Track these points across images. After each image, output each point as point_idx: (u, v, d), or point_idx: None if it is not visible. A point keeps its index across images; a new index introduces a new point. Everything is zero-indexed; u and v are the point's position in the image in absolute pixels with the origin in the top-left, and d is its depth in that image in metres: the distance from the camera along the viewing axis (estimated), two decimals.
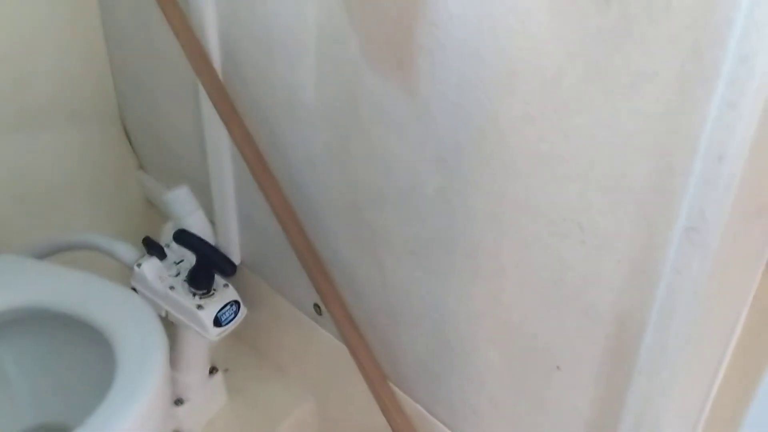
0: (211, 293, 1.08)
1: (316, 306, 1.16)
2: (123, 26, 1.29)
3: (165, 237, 1.25)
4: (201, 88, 1.08)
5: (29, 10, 1.21)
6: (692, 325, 0.66)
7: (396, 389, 1.08)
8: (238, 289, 1.31)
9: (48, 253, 1.14)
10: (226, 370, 1.34)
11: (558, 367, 0.84)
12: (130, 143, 1.47)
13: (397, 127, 0.88)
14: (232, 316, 1.08)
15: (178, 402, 1.20)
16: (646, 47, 0.61)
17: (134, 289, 1.11)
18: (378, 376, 1.05)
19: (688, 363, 0.69)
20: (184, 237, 1.05)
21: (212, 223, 1.29)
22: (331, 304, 1.05)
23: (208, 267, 1.06)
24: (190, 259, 1.11)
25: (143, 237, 1.12)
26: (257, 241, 1.25)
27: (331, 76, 0.93)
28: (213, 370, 1.26)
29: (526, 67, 0.70)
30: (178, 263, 1.12)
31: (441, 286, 0.94)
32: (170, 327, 1.13)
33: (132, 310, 0.98)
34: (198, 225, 1.19)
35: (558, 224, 0.75)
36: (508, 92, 0.73)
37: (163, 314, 1.11)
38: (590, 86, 0.66)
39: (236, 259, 1.31)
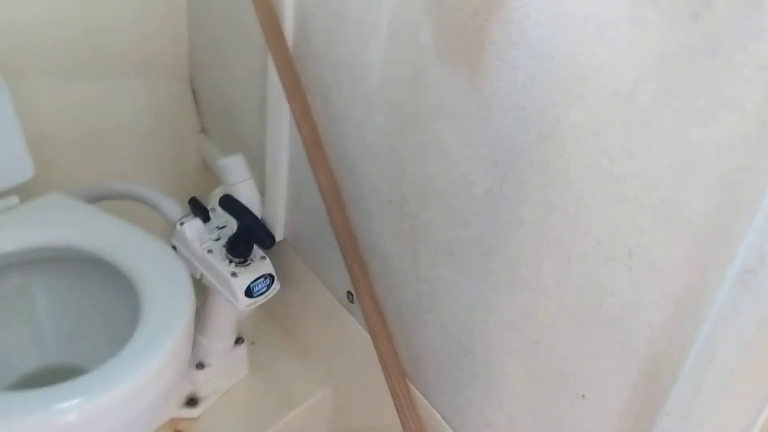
0: (247, 263, 1.07)
1: (349, 293, 1.14)
2: None
3: (213, 201, 1.25)
4: (270, 57, 1.07)
5: None
6: (730, 375, 0.61)
7: (414, 389, 1.06)
8: (276, 264, 1.30)
9: (96, 197, 1.16)
10: (252, 343, 1.34)
11: (583, 396, 0.80)
12: (196, 105, 1.48)
13: (455, 121, 0.85)
14: (265, 289, 1.08)
15: (200, 366, 1.20)
16: (730, 72, 0.57)
17: (174, 247, 1.12)
18: (397, 373, 1.03)
19: (719, 414, 0.64)
20: (228, 203, 1.05)
21: (262, 195, 1.29)
22: (363, 293, 1.03)
23: (248, 236, 1.05)
24: (232, 226, 1.10)
25: (190, 197, 1.12)
26: (302, 220, 1.24)
27: (399, 60, 0.91)
28: (239, 341, 1.26)
29: (598, 76, 0.67)
30: (221, 228, 1.12)
31: (474, 292, 0.91)
32: (203, 290, 1.13)
33: (165, 265, 0.98)
34: (247, 194, 1.19)
35: (606, 246, 0.72)
36: (575, 100, 0.70)
37: (198, 276, 1.11)
38: (663, 106, 0.62)
39: (279, 235, 1.30)
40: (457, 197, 0.88)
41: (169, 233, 1.14)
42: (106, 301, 1.05)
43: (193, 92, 1.47)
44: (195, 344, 1.20)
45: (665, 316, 0.69)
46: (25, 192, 1.08)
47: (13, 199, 1.05)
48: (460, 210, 0.89)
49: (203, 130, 1.50)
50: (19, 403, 0.79)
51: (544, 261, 0.79)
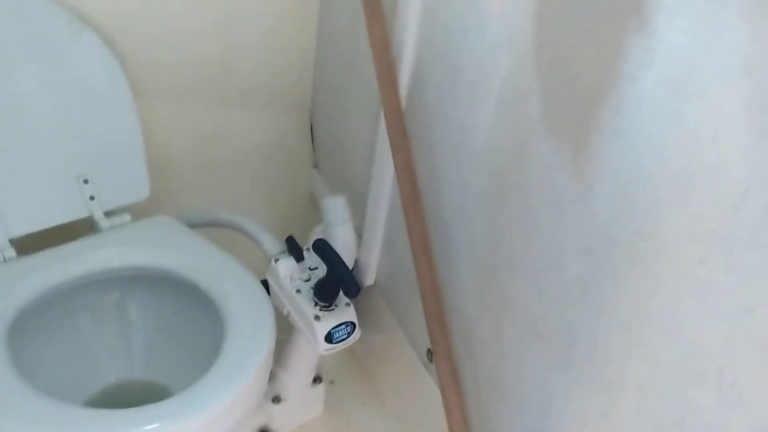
0: (332, 308, 1.08)
1: (429, 352, 1.13)
2: (336, 28, 1.33)
3: (312, 237, 1.28)
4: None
5: None
6: None
7: None
8: (364, 307, 1.31)
9: (202, 223, 1.20)
10: (331, 382, 1.35)
11: None
12: (312, 140, 1.52)
13: (554, 200, 0.82)
14: (345, 336, 1.08)
15: (276, 400, 1.22)
16: None
17: (266, 282, 1.14)
18: None
19: None
20: (321, 248, 1.06)
21: (359, 236, 1.30)
22: (440, 356, 1.01)
23: (336, 283, 1.06)
24: (323, 268, 1.11)
25: (287, 236, 1.14)
26: (394, 268, 1.24)
27: (506, 127, 0.89)
28: (317, 379, 1.27)
29: (705, 182, 0.62)
30: (313, 269, 1.13)
31: (556, 379, 0.86)
32: (290, 326, 1.15)
33: (253, 299, 1.01)
34: (344, 236, 1.21)
35: (696, 360, 0.66)
36: (679, 202, 0.65)
37: (285, 313, 1.13)
38: None
39: (371, 279, 1.31)
40: (547, 276, 0.85)
41: (265, 265, 1.17)
42: (193, 325, 1.09)
43: (311, 128, 1.51)
44: (274, 377, 1.23)
45: None
46: (136, 210, 1.14)
47: (126, 217, 1.11)
48: (549, 291, 0.85)
49: (316, 166, 1.54)
50: (105, 420, 0.83)
51: (630, 362, 0.74)
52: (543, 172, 0.83)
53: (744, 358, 0.61)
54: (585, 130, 0.76)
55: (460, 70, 0.96)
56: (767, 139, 0.56)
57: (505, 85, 0.88)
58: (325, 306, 1.08)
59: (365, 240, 1.28)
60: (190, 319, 1.09)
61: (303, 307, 1.08)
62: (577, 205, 0.78)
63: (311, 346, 1.11)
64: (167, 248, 1.08)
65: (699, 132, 0.62)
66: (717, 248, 0.62)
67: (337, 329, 1.07)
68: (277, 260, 1.12)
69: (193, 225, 1.16)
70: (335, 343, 1.07)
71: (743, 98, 0.58)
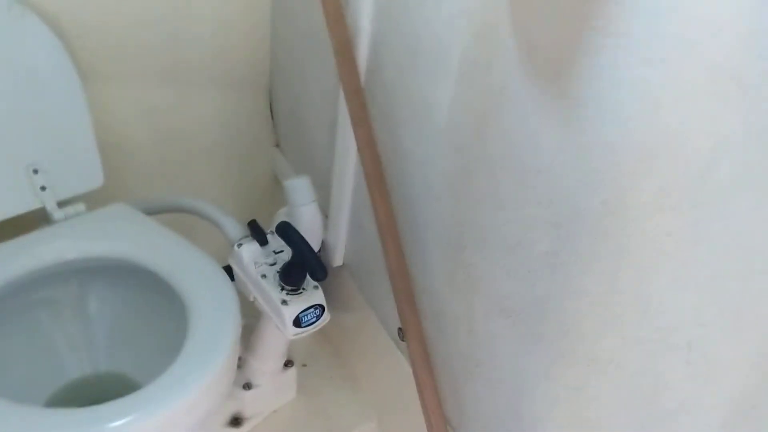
0: (299, 291, 1.05)
1: (400, 330, 1.11)
2: (291, 5, 1.29)
3: (277, 220, 1.25)
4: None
5: None
6: None
7: None
8: (334, 288, 1.29)
9: (160, 210, 1.17)
10: (303, 365, 1.33)
11: None
12: (272, 119, 1.48)
13: (519, 175, 0.80)
14: (314, 319, 1.06)
15: (247, 386, 1.20)
16: None
17: (230, 268, 1.11)
18: (439, 422, 0.99)
19: None
20: (285, 230, 1.03)
21: (326, 217, 1.27)
22: (411, 336, 0.99)
23: (302, 265, 1.03)
24: (288, 252, 1.09)
25: (250, 220, 1.11)
26: (361, 248, 1.22)
27: (468, 102, 0.87)
28: (288, 363, 1.25)
29: (670, 150, 0.61)
30: (278, 253, 1.11)
31: (527, 355, 0.85)
32: (256, 312, 1.13)
33: (215, 286, 0.98)
34: (310, 217, 1.18)
35: (665, 333, 0.65)
36: (644, 173, 0.64)
37: (251, 299, 1.10)
38: (741, 190, 0.56)
39: (339, 260, 1.28)
40: (514, 254, 0.83)
41: (228, 251, 1.14)
42: (156, 314, 1.06)
43: (271, 106, 1.47)
44: (244, 364, 1.20)
45: (724, 417, 0.62)
46: (91, 199, 1.10)
47: (80, 207, 1.07)
48: (518, 267, 0.83)
49: (278, 145, 1.50)
50: (74, 419, 0.81)
51: (602, 338, 0.73)
52: (506, 146, 0.81)
53: (711, 330, 0.61)
54: (547, 102, 0.74)
55: (419, 43, 0.93)
56: (731, 104, 0.55)
57: (464, 58, 0.85)
58: (292, 290, 1.05)
59: (331, 220, 1.26)
60: (153, 309, 1.06)
61: (269, 292, 1.05)
62: (541, 180, 0.77)
63: (278, 331, 1.09)
64: (125, 237, 1.04)
65: (661, 100, 0.60)
66: (684, 219, 0.61)
67: (305, 313, 1.05)
68: (240, 245, 1.09)
69: (151, 212, 1.13)
70: (304, 327, 1.05)
71: (706, 63, 0.56)
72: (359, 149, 1.03)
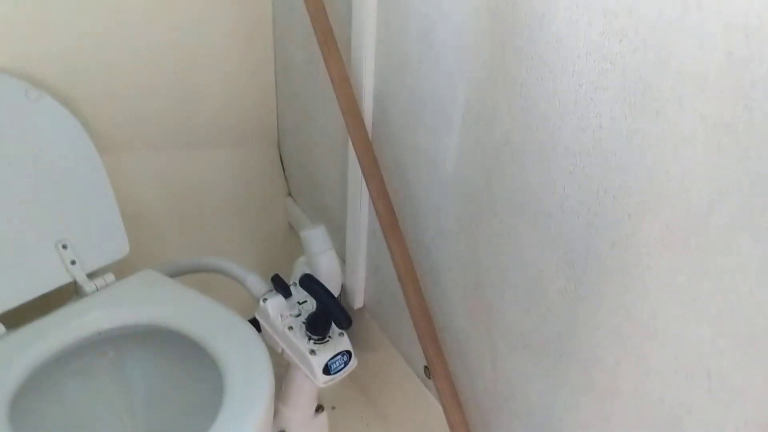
0: (325, 340, 1.09)
1: (426, 369, 1.15)
2: (293, 62, 1.34)
3: (297, 270, 1.29)
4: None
5: (205, 31, 1.28)
6: None
7: None
8: (356, 330, 1.32)
9: (185, 272, 1.21)
10: (333, 408, 1.36)
11: None
12: (283, 170, 1.53)
13: (530, 218, 0.84)
14: (342, 366, 1.09)
15: None
16: None
17: (256, 320, 1.15)
18: None
19: None
20: (308, 283, 1.07)
21: (343, 261, 1.31)
22: (438, 374, 1.03)
23: (326, 316, 1.07)
24: (312, 301, 1.13)
25: (273, 274, 1.15)
26: (380, 289, 1.26)
27: (473, 152, 0.91)
28: (319, 408, 1.28)
29: (672, 194, 0.65)
30: (302, 303, 1.15)
31: (551, 388, 0.89)
32: (285, 361, 1.16)
33: (246, 345, 1.02)
34: (328, 264, 1.22)
35: (685, 362, 0.69)
36: (650, 214, 0.68)
37: (279, 351, 1.14)
38: (741, 230, 0.60)
39: (359, 303, 1.32)
40: (532, 292, 0.87)
41: (253, 304, 1.18)
42: (191, 376, 1.09)
43: (281, 158, 1.52)
44: (277, 413, 1.24)
45: None
46: (119, 267, 1.14)
47: (110, 277, 1.11)
48: (536, 305, 0.87)
49: (290, 194, 1.55)
50: None
51: (622, 368, 0.77)
52: (515, 192, 0.85)
53: (729, 358, 0.64)
54: (550, 151, 0.78)
55: (421, 99, 0.98)
56: (727, 152, 0.59)
57: (467, 112, 0.90)
58: (318, 339, 1.09)
59: (349, 265, 1.30)
60: (188, 371, 1.09)
61: (297, 343, 1.09)
62: (552, 223, 0.81)
63: (308, 380, 1.13)
64: (154, 303, 1.08)
65: (661, 147, 0.65)
66: (692, 257, 0.65)
67: (333, 360, 1.09)
68: (265, 300, 1.13)
69: (177, 275, 1.17)
70: (333, 374, 1.08)
71: (698, 115, 0.60)
72: (372, 198, 1.07)
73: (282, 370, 1.20)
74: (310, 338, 1.09)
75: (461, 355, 1.05)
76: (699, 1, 0.58)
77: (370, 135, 1.09)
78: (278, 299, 1.13)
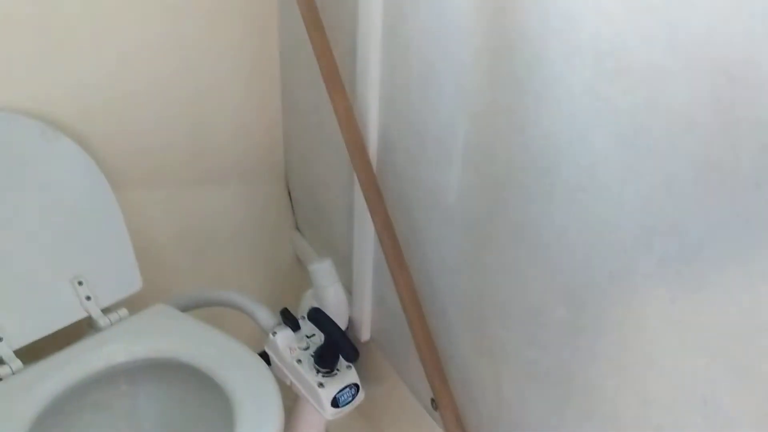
0: (334, 373, 1.12)
1: (433, 401, 1.16)
2: (299, 98, 1.38)
3: (305, 303, 1.32)
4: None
5: (214, 68, 1.32)
6: None
7: None
8: (363, 362, 1.34)
9: (196, 305, 1.24)
10: None
11: None
12: (291, 204, 1.56)
13: (531, 249, 0.87)
14: (350, 398, 1.11)
15: None
16: None
17: (266, 353, 1.18)
18: None
19: None
20: (316, 317, 1.10)
21: (349, 293, 1.34)
22: (444, 405, 1.05)
23: (334, 349, 1.10)
24: (319, 335, 1.15)
25: (282, 308, 1.18)
26: (386, 321, 1.28)
27: (475, 187, 0.94)
28: None
29: (666, 229, 0.68)
30: (310, 337, 1.17)
31: (554, 416, 0.91)
32: (292, 393, 1.18)
33: (257, 378, 1.04)
34: (335, 297, 1.25)
35: (681, 390, 0.71)
36: (645, 248, 0.71)
37: (288, 383, 1.16)
38: (732, 264, 0.63)
39: (366, 334, 1.34)
40: (534, 322, 0.90)
41: (261, 337, 1.21)
42: (202, 408, 1.11)
43: (288, 191, 1.55)
44: None
45: None
46: (131, 302, 1.17)
47: (123, 312, 1.14)
48: (539, 334, 0.90)
49: (297, 227, 1.58)
50: None
51: (623, 397, 0.79)
52: (515, 225, 0.88)
53: (724, 386, 0.66)
54: (548, 185, 0.81)
55: (425, 134, 1.01)
56: (717, 189, 0.62)
57: (467, 147, 0.93)
58: (327, 372, 1.11)
59: (355, 297, 1.33)
60: (199, 404, 1.11)
61: (305, 376, 1.12)
62: (552, 254, 0.84)
63: (317, 412, 1.15)
64: (167, 337, 1.11)
65: (651, 181, 0.68)
66: (684, 289, 0.67)
67: (341, 393, 1.11)
68: (275, 333, 1.16)
69: (188, 309, 1.20)
70: (342, 407, 1.11)
71: (687, 155, 0.63)
72: (377, 232, 1.10)
73: (290, 403, 1.22)
74: (318, 371, 1.12)
75: (466, 384, 1.08)
76: (686, 46, 0.61)
77: (375, 169, 1.13)
78: (287, 333, 1.16)
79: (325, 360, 1.10)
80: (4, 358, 1.03)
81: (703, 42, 0.60)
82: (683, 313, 0.68)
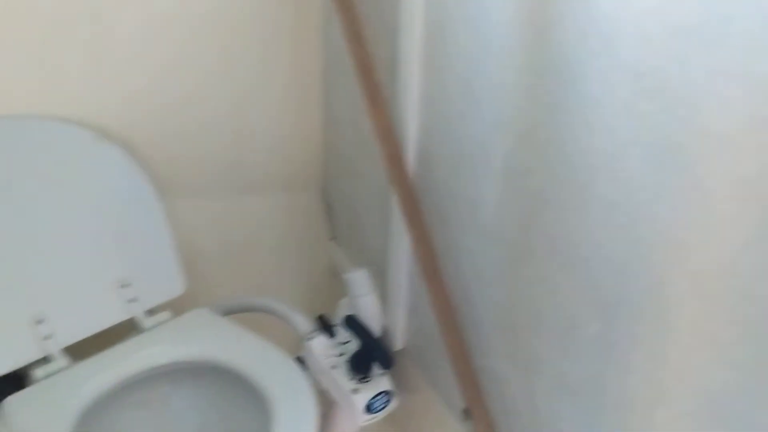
0: (367, 379, 1.14)
1: (465, 411, 1.18)
2: (339, 111, 1.42)
3: (340, 312, 1.34)
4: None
5: (260, 79, 1.36)
6: None
7: None
8: (396, 371, 1.36)
9: (235, 311, 1.27)
10: None
11: None
12: (327, 214, 1.60)
13: (566, 263, 0.88)
14: (383, 405, 1.14)
15: None
16: None
17: (302, 358, 1.20)
18: None
19: None
20: (352, 324, 1.13)
21: (384, 303, 1.36)
22: (477, 417, 1.06)
23: (369, 356, 1.12)
24: (354, 341, 1.18)
25: (318, 315, 1.21)
26: (420, 332, 1.30)
27: (511, 202, 0.96)
28: None
29: (699, 245, 0.69)
30: (345, 344, 1.20)
31: (589, 428, 0.92)
32: (326, 399, 1.21)
33: (293, 382, 1.06)
34: (369, 307, 1.27)
35: (714, 407, 0.72)
36: (679, 263, 0.72)
37: (322, 389, 1.18)
38: (765, 279, 0.64)
39: (399, 344, 1.36)
40: (568, 335, 0.91)
41: (295, 342, 1.24)
42: (240, 411, 1.14)
43: (326, 203, 1.59)
44: None
45: None
46: (174, 304, 1.21)
47: (166, 314, 1.18)
48: (572, 347, 0.91)
49: (334, 238, 1.61)
50: None
51: (657, 412, 0.80)
52: (551, 240, 0.90)
53: (757, 403, 0.67)
54: (584, 202, 0.83)
55: (463, 149, 1.04)
56: (749, 207, 0.63)
57: (506, 164, 0.95)
58: (361, 378, 1.14)
59: (389, 307, 1.35)
60: (237, 406, 1.14)
61: (340, 381, 1.14)
62: (586, 269, 0.85)
63: (350, 418, 1.17)
64: (207, 341, 1.14)
65: (689, 202, 0.69)
66: (720, 305, 0.68)
67: (375, 399, 1.13)
68: (310, 339, 1.18)
69: (228, 313, 1.23)
70: (374, 412, 1.13)
71: (722, 172, 0.65)
72: (413, 244, 1.12)
73: (324, 408, 1.25)
74: (352, 377, 1.14)
75: (500, 397, 1.09)
76: (725, 68, 0.63)
77: (412, 183, 1.15)
78: (323, 339, 1.19)
79: (360, 366, 1.13)
80: (54, 355, 1.08)
81: (739, 62, 0.61)
82: (717, 329, 0.69)
